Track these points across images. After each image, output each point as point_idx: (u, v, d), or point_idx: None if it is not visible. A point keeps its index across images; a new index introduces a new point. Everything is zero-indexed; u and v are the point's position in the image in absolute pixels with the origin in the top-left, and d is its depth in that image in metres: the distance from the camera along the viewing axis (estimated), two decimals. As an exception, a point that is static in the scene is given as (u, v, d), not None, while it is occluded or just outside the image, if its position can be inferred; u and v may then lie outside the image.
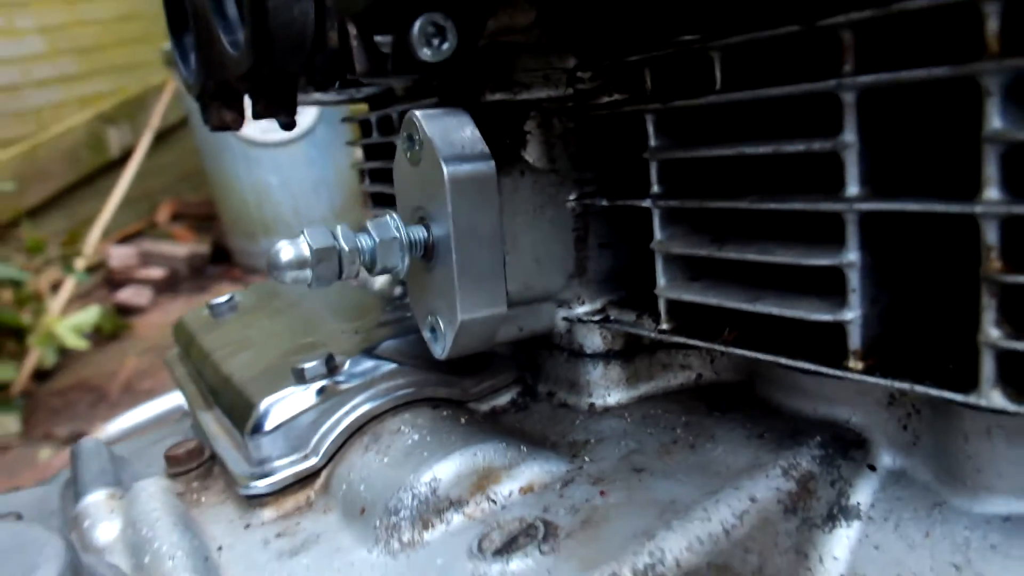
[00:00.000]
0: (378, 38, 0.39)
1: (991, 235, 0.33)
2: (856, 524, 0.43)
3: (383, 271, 0.50)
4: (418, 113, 0.49)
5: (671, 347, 0.54)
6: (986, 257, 0.33)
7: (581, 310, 0.54)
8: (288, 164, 3.29)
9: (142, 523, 0.52)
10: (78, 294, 3.14)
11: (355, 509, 0.48)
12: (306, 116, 3.17)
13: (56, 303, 2.89)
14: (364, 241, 0.49)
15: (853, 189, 0.37)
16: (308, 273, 0.47)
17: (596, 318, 0.53)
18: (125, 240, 3.70)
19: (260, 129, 3.18)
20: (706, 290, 0.46)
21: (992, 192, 0.32)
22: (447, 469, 0.47)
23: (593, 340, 0.54)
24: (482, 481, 0.47)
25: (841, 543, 0.43)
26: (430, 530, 0.45)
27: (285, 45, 0.53)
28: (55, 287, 3.03)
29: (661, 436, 0.49)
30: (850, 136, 0.37)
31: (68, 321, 2.75)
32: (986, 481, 0.40)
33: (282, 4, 0.51)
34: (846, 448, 0.45)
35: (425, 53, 0.36)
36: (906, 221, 0.38)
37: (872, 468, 0.45)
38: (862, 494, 0.44)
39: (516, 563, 0.41)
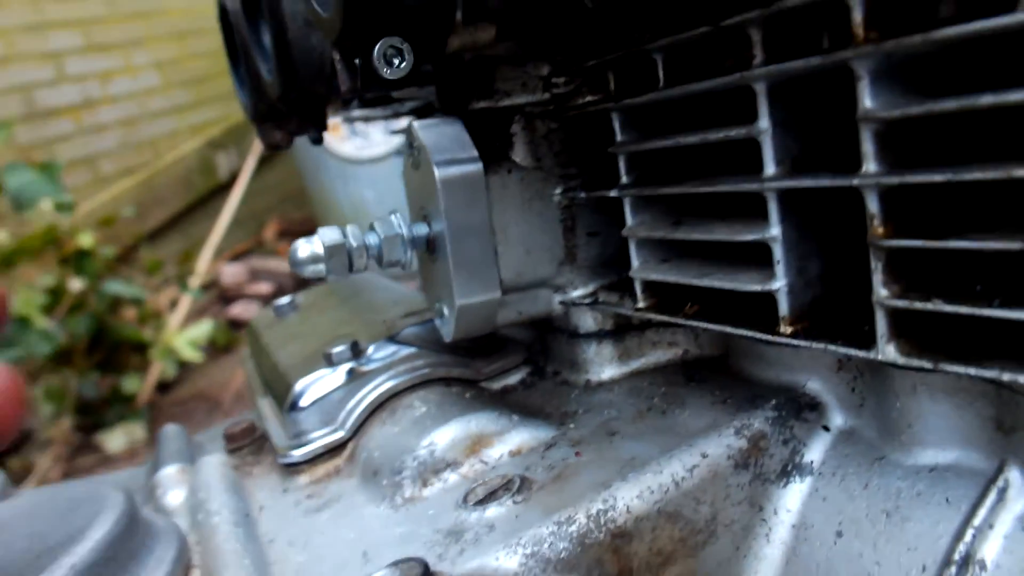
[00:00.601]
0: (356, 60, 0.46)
1: (872, 204, 0.37)
2: (808, 479, 0.47)
3: (391, 264, 0.57)
4: (415, 123, 0.56)
5: (659, 326, 0.59)
6: (870, 224, 0.37)
7: (575, 294, 0.59)
8: (383, 178, 3.43)
9: (200, 489, 0.60)
10: (194, 310, 3.37)
11: (370, 472, 0.55)
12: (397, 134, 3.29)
13: (174, 319, 3.12)
14: (371, 238, 0.56)
15: (770, 169, 0.42)
16: (322, 267, 0.54)
17: (587, 301, 0.58)
18: (235, 258, 3.94)
19: (355, 147, 3.34)
20: (669, 270, 0.51)
21: (870, 166, 0.36)
22: (445, 435, 0.53)
23: (586, 321, 0.59)
24: (475, 445, 0.53)
25: (794, 496, 0.47)
26: (429, 487, 0.52)
27: (306, 71, 0.61)
28: (173, 304, 3.26)
29: (639, 404, 0.54)
30: (764, 123, 0.41)
31: (185, 335, 2.96)
32: (917, 436, 0.43)
33: (301, 35, 0.59)
34: (800, 410, 0.49)
35: (386, 72, 0.42)
36: (818, 196, 0.42)
37: (826, 429, 0.48)
38: (815, 452, 0.48)
39: (492, 510, 0.46)
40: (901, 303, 0.36)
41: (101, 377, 2.87)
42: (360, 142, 3.31)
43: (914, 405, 0.43)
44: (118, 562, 0.45)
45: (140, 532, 0.48)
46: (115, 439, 2.66)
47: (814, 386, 0.49)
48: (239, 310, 3.55)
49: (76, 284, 2.76)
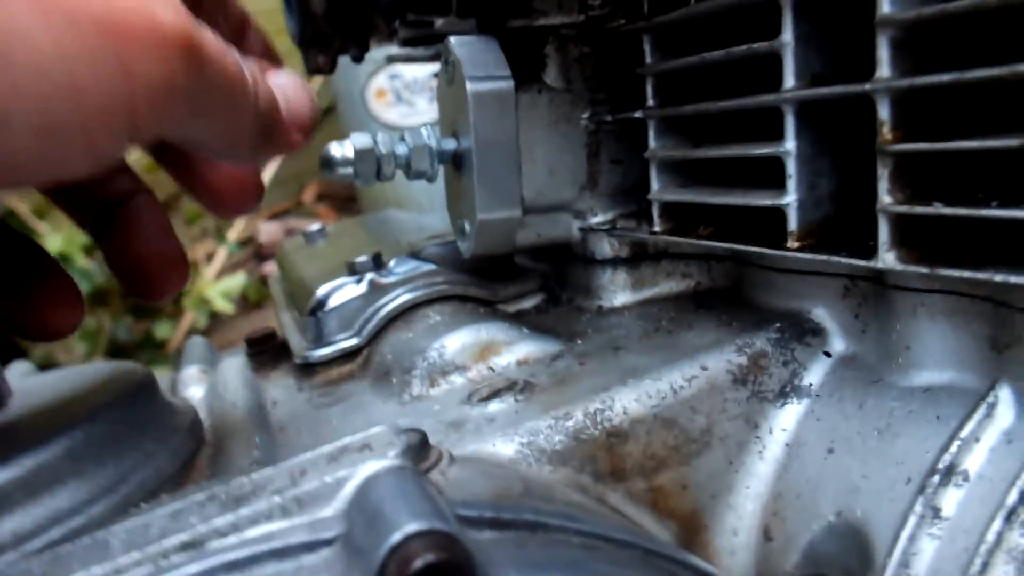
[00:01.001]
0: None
1: (883, 110, 0.37)
2: (805, 401, 0.48)
3: (417, 175, 0.58)
4: (452, 39, 0.57)
5: (674, 257, 0.60)
6: (880, 131, 0.38)
7: (594, 220, 0.60)
8: (424, 148, 3.45)
9: (219, 384, 0.63)
10: (229, 264, 3.43)
11: (381, 373, 0.57)
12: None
13: (209, 271, 3.18)
14: (400, 147, 0.57)
15: (789, 82, 0.42)
16: (351, 170, 0.56)
17: (605, 227, 0.60)
18: (273, 217, 4.00)
19: (400, 114, 3.36)
20: (686, 192, 0.52)
21: (883, 71, 0.37)
22: (455, 340, 0.55)
23: (603, 248, 0.60)
24: (484, 352, 0.55)
25: (789, 416, 0.48)
26: (436, 387, 0.54)
27: (351, -14, 0.62)
28: (209, 257, 3.33)
29: (647, 326, 0.55)
30: (787, 36, 0.42)
31: (218, 287, 3.02)
32: (914, 358, 0.44)
33: (346, -50, 0.61)
34: (802, 335, 0.49)
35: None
36: (833, 113, 0.42)
37: (827, 354, 0.49)
38: (814, 375, 0.49)
39: (494, 406, 0.48)
40: (903, 208, 0.37)
41: (135, 321, 2.94)
42: (405, 109, 3.33)
43: (913, 327, 0.43)
44: (135, 424, 0.47)
45: (158, 403, 0.50)
46: (145, 381, 2.72)
47: (819, 312, 0.50)
48: (273, 268, 3.61)
49: (117, 227, 2.81)
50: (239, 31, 0.46)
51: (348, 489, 0.32)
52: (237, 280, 3.06)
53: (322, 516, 0.31)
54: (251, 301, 3.31)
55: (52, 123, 0.26)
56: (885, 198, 0.38)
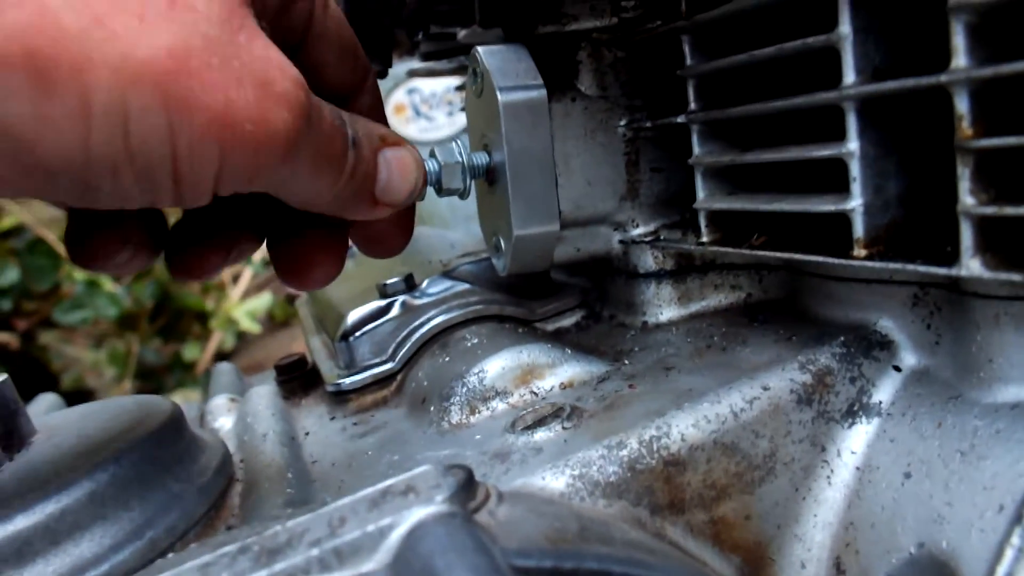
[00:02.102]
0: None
1: (961, 104, 0.34)
2: (876, 420, 0.45)
3: (449, 192, 0.56)
4: (480, 48, 0.54)
5: (721, 268, 0.57)
6: (958, 126, 0.34)
7: (635, 232, 0.57)
8: (444, 163, 3.44)
9: (249, 414, 0.60)
10: (255, 284, 3.43)
11: (418, 400, 0.54)
12: (461, 116, 3.31)
13: (235, 291, 3.18)
14: (431, 164, 0.55)
15: (849, 78, 0.39)
16: (379, 189, 0.53)
17: (648, 239, 0.56)
18: (298, 237, 4.00)
19: (419, 129, 3.35)
20: (736, 200, 0.49)
21: (960, 60, 0.34)
22: (495, 364, 0.52)
23: (646, 260, 0.57)
24: (526, 376, 0.52)
25: (859, 438, 0.45)
26: (476, 415, 0.51)
27: (373, 2, 0.60)
28: (235, 277, 3.33)
29: (698, 343, 0.52)
30: (845, 28, 0.39)
31: (244, 307, 3.01)
32: (998, 371, 0.40)
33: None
34: (869, 348, 0.46)
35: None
36: (900, 109, 0.39)
37: (897, 369, 0.46)
38: (884, 392, 0.45)
39: (540, 435, 0.45)
40: (990, 209, 0.34)
41: (163, 343, 2.94)
42: (424, 124, 3.32)
43: (996, 338, 0.40)
44: (162, 464, 0.45)
45: (185, 440, 0.48)
46: (174, 404, 2.72)
47: (886, 324, 0.47)
48: (299, 287, 3.60)
49: (143, 251, 2.82)
50: (355, 79, 0.45)
51: (393, 539, 0.29)
52: (263, 300, 3.06)
53: (365, 571, 0.28)
54: (277, 320, 3.31)
55: (153, 184, 0.31)
56: (967, 199, 0.34)
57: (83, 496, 0.40)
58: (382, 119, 0.45)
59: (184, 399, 2.74)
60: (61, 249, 2.66)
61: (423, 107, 3.29)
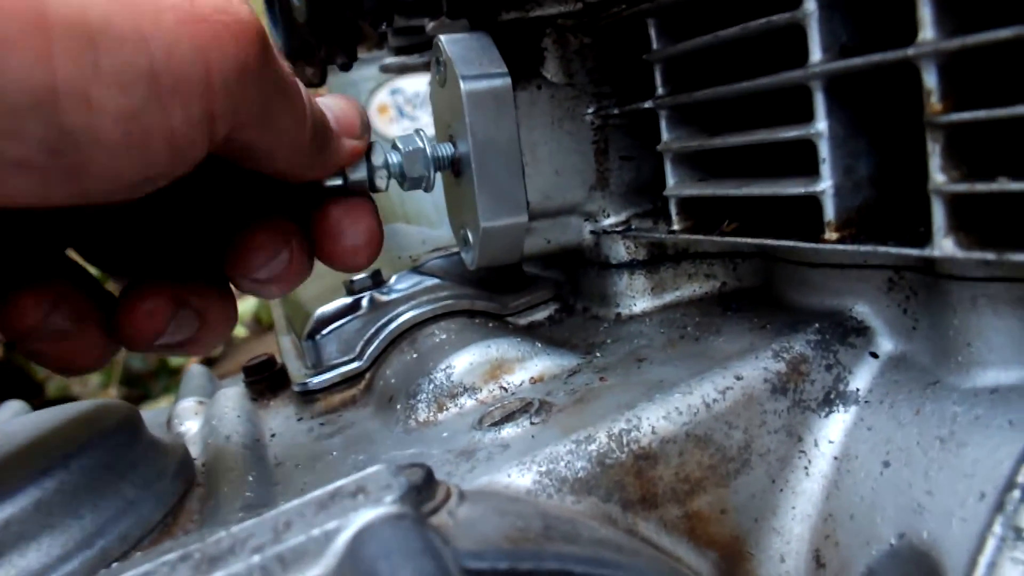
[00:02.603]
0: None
1: (929, 78, 0.33)
2: (853, 408, 0.43)
3: (413, 183, 0.54)
4: (442, 37, 0.53)
5: (695, 257, 0.55)
6: (927, 101, 0.33)
7: (606, 222, 0.56)
8: (429, 163, 3.42)
9: (214, 416, 0.59)
10: (241, 288, 3.41)
11: (385, 399, 0.53)
12: (444, 115, 3.29)
13: (221, 296, 3.15)
14: (393, 156, 0.53)
15: (816, 56, 0.38)
16: (339, 181, 0.51)
17: (619, 228, 0.55)
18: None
19: (402, 129, 3.33)
20: (706, 186, 0.47)
21: (927, 33, 0.32)
22: (463, 359, 0.51)
23: (618, 251, 0.56)
24: (495, 371, 0.50)
25: (836, 426, 0.43)
26: (444, 412, 0.49)
27: (333, -10, 0.58)
28: (221, 282, 3.30)
29: (671, 333, 0.51)
30: (810, 5, 0.37)
31: (230, 311, 2.98)
32: (976, 355, 0.39)
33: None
34: (845, 335, 0.45)
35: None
36: (867, 87, 0.38)
37: (874, 355, 0.44)
38: (861, 380, 0.44)
39: (507, 431, 0.43)
40: (962, 187, 0.32)
41: (148, 350, 2.91)
42: (408, 124, 3.31)
43: (974, 321, 0.39)
44: (115, 469, 0.43)
45: (142, 444, 0.46)
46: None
47: (861, 310, 0.45)
48: (285, 290, 3.58)
49: (126, 257, 2.79)
50: None
51: (339, 543, 0.28)
52: (248, 304, 3.03)
53: (309, 577, 0.27)
54: (264, 323, 3.28)
55: (132, 105, 0.27)
56: (938, 176, 0.33)
57: (28, 504, 0.38)
58: None
59: (170, 405, 2.72)
60: (41, 256, 2.63)
61: (407, 107, 3.27)
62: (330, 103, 0.41)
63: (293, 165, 0.38)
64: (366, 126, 0.43)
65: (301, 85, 0.36)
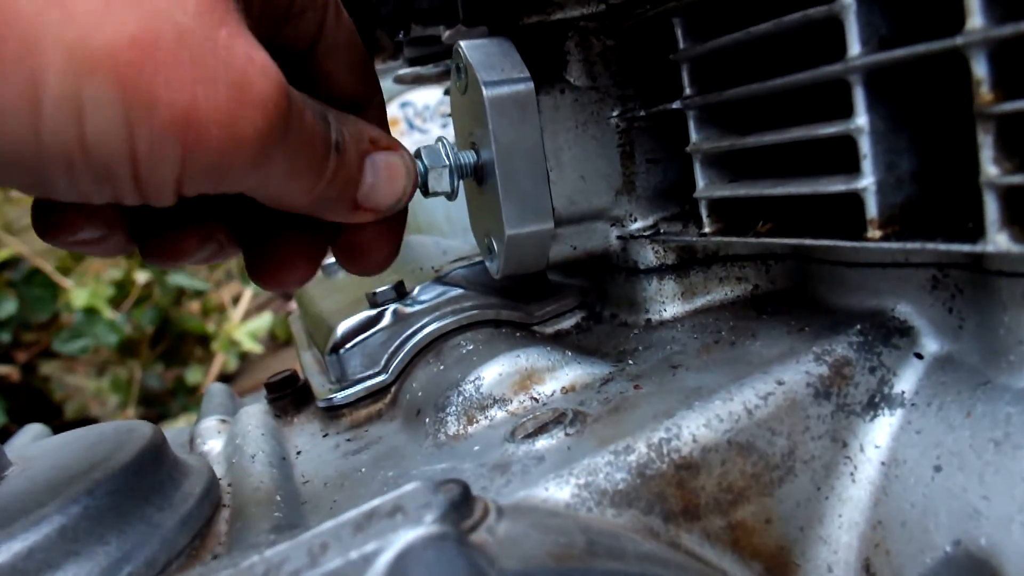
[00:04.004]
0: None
1: (979, 67, 0.31)
2: (899, 411, 0.42)
3: (436, 194, 0.53)
4: (462, 43, 0.52)
5: (726, 260, 0.54)
6: (976, 92, 0.32)
7: (634, 227, 0.55)
8: (440, 175, 3.42)
9: (238, 435, 0.58)
10: (255, 305, 3.41)
11: (413, 412, 0.52)
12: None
13: (236, 312, 3.16)
14: (416, 166, 0.52)
15: (855, 49, 0.37)
16: (363, 193, 0.51)
17: (647, 233, 0.54)
18: (297, 255, 3.98)
19: (413, 143, 3.33)
20: (738, 187, 0.46)
21: (976, 21, 0.31)
22: (492, 370, 0.49)
23: (646, 256, 0.54)
24: (525, 381, 0.49)
25: (882, 430, 0.42)
26: (474, 425, 0.48)
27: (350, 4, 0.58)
28: (235, 299, 3.30)
29: (705, 338, 0.49)
30: (848, -3, 0.36)
31: (246, 328, 2.99)
32: (1029, 353, 0.38)
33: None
34: (888, 336, 0.43)
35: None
36: (910, 80, 0.37)
37: (919, 356, 0.43)
38: (906, 382, 0.42)
39: (542, 443, 0.42)
40: (1017, 178, 0.31)
41: (165, 368, 2.92)
42: (418, 136, 3.30)
43: (1025, 318, 0.37)
44: (140, 493, 0.42)
45: (167, 466, 0.45)
46: (178, 429, 2.70)
47: (904, 309, 0.44)
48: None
49: (142, 276, 2.80)
50: (362, 93, 0.44)
51: (379, 567, 0.26)
52: (264, 320, 3.04)
53: (350, 604, 0.26)
54: (279, 339, 3.28)
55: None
56: (991, 169, 0.32)
57: (52, 532, 0.37)
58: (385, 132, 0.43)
59: (189, 424, 2.73)
60: (59, 279, 2.64)
61: (417, 120, 3.26)
62: (379, 168, 0.39)
63: (299, 210, 0.37)
64: (400, 202, 0.41)
65: (338, 137, 0.35)
